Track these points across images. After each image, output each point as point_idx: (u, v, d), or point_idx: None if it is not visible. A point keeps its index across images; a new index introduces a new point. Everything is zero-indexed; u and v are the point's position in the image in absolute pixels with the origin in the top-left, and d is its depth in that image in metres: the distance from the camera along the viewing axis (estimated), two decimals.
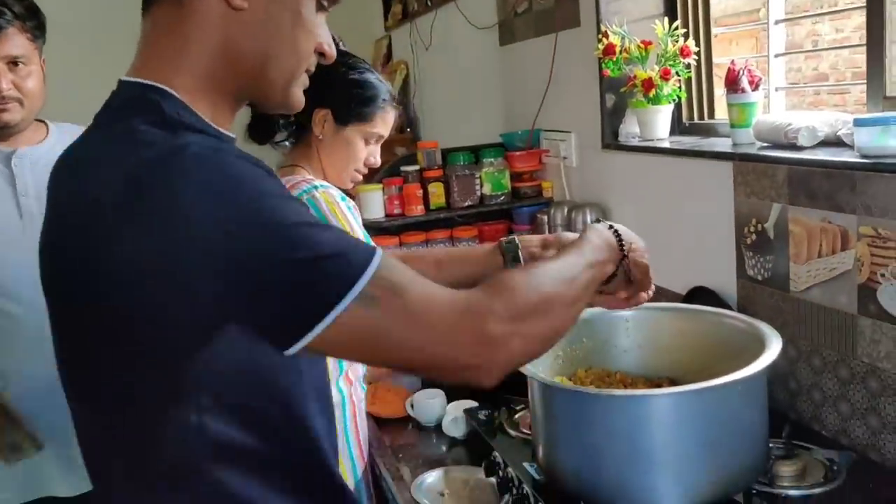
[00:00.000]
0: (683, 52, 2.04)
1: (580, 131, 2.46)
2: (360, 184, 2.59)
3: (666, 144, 2.06)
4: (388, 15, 4.37)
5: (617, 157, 2.28)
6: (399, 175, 2.62)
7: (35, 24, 1.64)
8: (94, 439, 0.93)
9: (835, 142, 1.59)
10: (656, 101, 2.07)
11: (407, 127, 4.24)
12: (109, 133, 0.87)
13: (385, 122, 1.71)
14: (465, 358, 0.84)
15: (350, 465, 1.64)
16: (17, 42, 1.60)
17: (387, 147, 4.05)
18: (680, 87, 2.10)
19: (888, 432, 1.45)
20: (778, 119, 1.69)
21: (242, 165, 0.81)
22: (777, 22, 1.85)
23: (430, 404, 1.96)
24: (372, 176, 2.67)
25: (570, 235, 1.31)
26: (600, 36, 2.17)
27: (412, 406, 1.98)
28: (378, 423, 1.96)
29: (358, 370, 1.69)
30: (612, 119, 2.27)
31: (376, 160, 1.74)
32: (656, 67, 2.06)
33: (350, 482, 1.62)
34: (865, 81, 1.59)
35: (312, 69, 0.97)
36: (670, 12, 2.17)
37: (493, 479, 1.59)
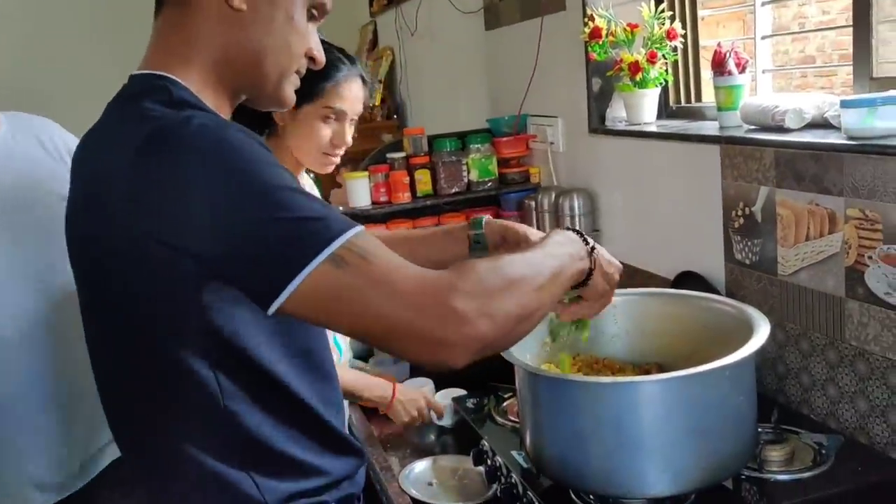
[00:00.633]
0: (670, 35, 2.02)
1: (567, 116, 2.44)
2: (346, 171, 2.59)
3: (653, 128, 2.05)
4: (372, 0, 4.33)
5: (604, 142, 2.26)
6: (385, 162, 2.59)
7: None
8: (117, 392, 1.04)
9: (822, 124, 1.58)
10: (643, 84, 2.06)
11: (394, 113, 4.21)
12: (121, 115, 0.97)
13: (341, 96, 1.62)
14: (429, 330, 0.87)
15: None
16: None
17: (373, 134, 4.02)
18: (667, 71, 2.08)
19: (876, 415, 1.45)
20: (765, 101, 1.67)
21: (244, 138, 0.91)
22: (764, 4, 1.84)
23: None
24: (357, 163, 2.65)
25: (535, 232, 1.33)
26: (586, 19, 2.15)
27: None
28: (366, 412, 1.94)
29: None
30: (598, 103, 2.26)
31: (345, 140, 1.66)
32: (643, 51, 2.05)
33: None
34: (852, 63, 1.58)
35: (303, 71, 1.07)
36: None
37: (481, 468, 1.58)
